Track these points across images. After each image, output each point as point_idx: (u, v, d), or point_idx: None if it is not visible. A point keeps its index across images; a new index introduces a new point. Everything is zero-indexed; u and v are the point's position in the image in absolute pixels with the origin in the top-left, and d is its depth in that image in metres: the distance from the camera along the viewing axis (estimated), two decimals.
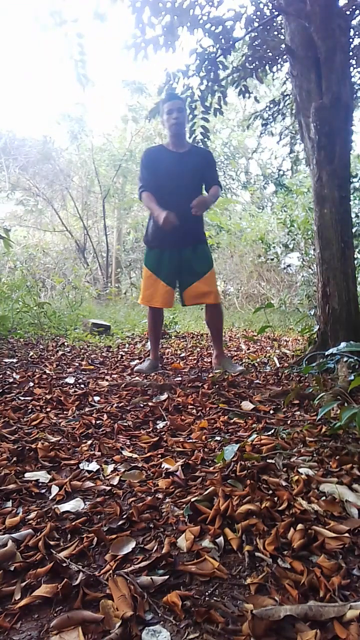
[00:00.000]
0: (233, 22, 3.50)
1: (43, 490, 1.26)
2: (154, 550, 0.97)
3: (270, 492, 1.20)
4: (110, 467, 1.40)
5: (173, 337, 4.80)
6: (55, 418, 1.88)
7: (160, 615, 0.78)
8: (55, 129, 15.22)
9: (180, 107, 2.73)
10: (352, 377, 2.01)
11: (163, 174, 2.75)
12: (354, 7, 3.25)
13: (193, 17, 3.37)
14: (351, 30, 3.30)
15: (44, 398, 2.16)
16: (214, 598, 0.83)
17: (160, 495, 1.22)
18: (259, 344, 4.47)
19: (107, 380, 2.60)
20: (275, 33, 3.81)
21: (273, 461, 1.38)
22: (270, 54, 3.78)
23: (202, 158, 2.83)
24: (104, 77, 26.63)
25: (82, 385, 2.47)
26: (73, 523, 1.06)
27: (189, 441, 1.61)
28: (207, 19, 3.44)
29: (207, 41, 3.58)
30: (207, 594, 0.84)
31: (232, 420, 1.89)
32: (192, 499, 1.15)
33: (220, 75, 3.73)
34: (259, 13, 3.65)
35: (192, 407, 2.08)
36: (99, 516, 1.11)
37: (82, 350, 3.74)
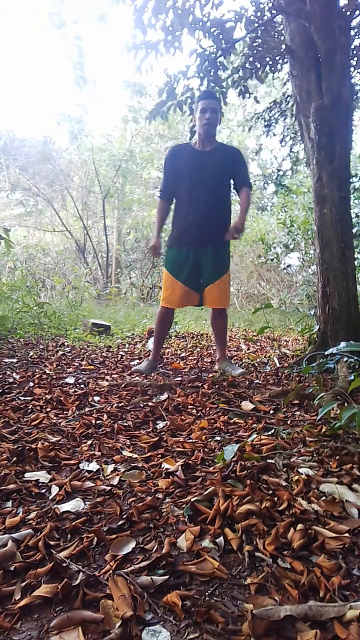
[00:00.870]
0: (234, 23, 3.50)
1: (43, 490, 1.26)
2: (154, 550, 0.97)
3: (270, 492, 1.20)
4: (110, 467, 1.40)
5: (173, 337, 4.80)
6: (55, 418, 1.88)
7: (160, 615, 0.78)
8: (55, 129, 15.24)
9: (214, 108, 2.70)
10: (352, 377, 2.01)
11: (185, 172, 2.73)
12: (354, 7, 3.25)
13: (194, 18, 3.37)
14: (351, 30, 3.30)
15: (44, 398, 2.15)
16: (214, 598, 0.83)
17: (160, 495, 1.22)
18: (258, 344, 4.47)
19: (107, 380, 2.60)
20: (275, 35, 3.81)
21: (273, 461, 1.38)
22: (270, 54, 3.78)
23: (229, 156, 2.75)
24: (105, 77, 26.66)
25: (82, 385, 2.47)
26: (73, 523, 1.06)
27: (189, 441, 1.61)
28: (208, 20, 3.45)
29: (207, 42, 3.58)
30: (207, 594, 0.84)
31: (232, 420, 1.89)
32: (192, 499, 1.15)
33: (221, 76, 3.73)
34: (259, 13, 3.65)
35: (192, 407, 2.08)
36: (99, 516, 1.11)
37: (82, 350, 3.74)
